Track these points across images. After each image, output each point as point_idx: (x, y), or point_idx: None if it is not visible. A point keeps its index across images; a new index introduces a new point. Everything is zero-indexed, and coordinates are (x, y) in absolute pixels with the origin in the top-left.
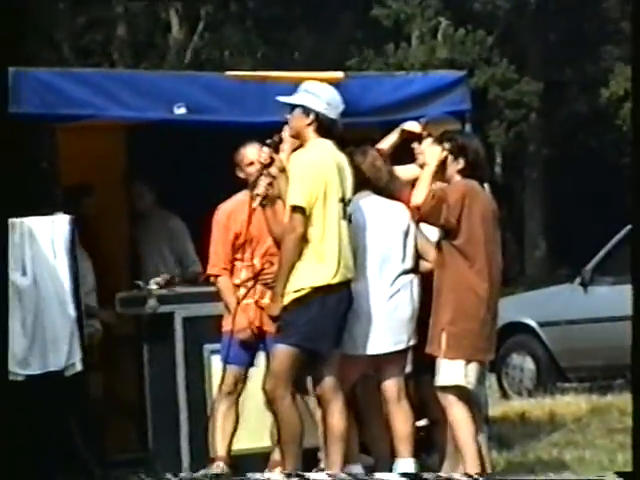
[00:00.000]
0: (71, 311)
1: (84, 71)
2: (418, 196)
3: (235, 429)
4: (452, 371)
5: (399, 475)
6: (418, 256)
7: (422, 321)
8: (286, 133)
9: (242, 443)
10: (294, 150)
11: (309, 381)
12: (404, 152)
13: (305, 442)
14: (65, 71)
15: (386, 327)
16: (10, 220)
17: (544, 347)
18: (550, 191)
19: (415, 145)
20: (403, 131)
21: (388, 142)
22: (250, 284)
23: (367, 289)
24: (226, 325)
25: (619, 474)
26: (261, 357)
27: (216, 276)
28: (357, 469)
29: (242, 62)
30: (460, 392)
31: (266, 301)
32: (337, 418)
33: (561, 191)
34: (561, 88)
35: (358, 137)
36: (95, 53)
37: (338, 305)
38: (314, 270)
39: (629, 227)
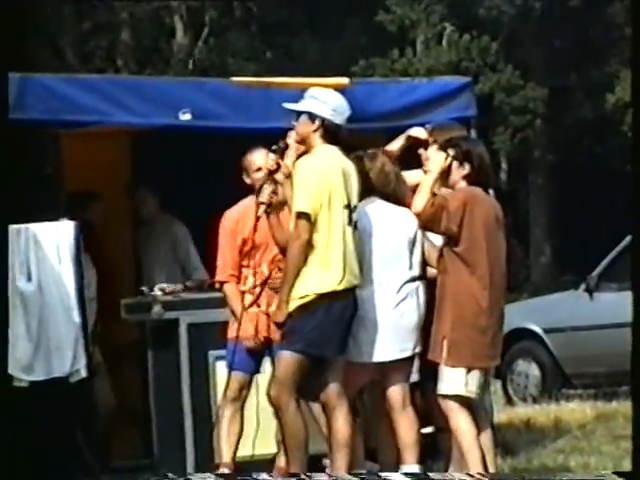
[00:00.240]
0: (76, 317)
1: (89, 77)
2: (418, 203)
3: (240, 435)
4: (453, 379)
5: (404, 475)
6: (425, 263)
7: (426, 328)
8: (292, 139)
9: (247, 449)
10: (300, 156)
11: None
12: (410, 158)
13: (310, 448)
14: (70, 77)
15: (392, 334)
16: (15, 226)
17: (549, 353)
18: (555, 197)
19: (421, 151)
20: (409, 137)
21: (393, 148)
22: (257, 291)
23: (373, 296)
24: (231, 332)
25: (619, 474)
26: (267, 364)
27: (223, 283)
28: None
29: (247, 68)
30: (462, 400)
31: (272, 309)
32: (342, 424)
33: (566, 197)
34: (566, 94)
35: (363, 143)
36: (99, 58)
37: (343, 311)
38: (319, 276)
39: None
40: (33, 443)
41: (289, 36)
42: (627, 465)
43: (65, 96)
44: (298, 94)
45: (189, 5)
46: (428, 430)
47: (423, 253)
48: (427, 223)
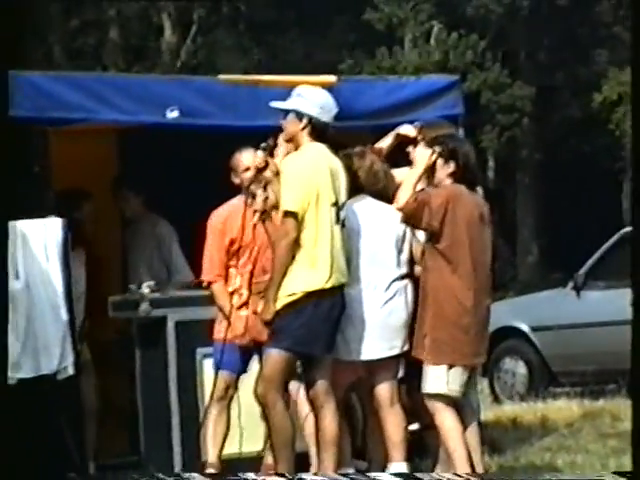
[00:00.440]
0: (63, 315)
1: (77, 74)
2: (401, 198)
3: (226, 434)
4: (435, 377)
5: (392, 475)
6: (413, 261)
7: (411, 325)
8: (281, 137)
9: (233, 447)
10: (288, 154)
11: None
12: (399, 156)
13: (297, 446)
14: (57, 74)
15: (380, 332)
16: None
17: (536, 352)
18: (542, 196)
19: (410, 149)
20: (398, 135)
21: (383, 145)
22: (245, 292)
23: (361, 294)
24: (218, 331)
25: (619, 474)
26: (253, 363)
27: (210, 282)
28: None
29: (234, 66)
30: (446, 398)
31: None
32: (329, 422)
33: (553, 196)
34: (554, 93)
35: (350, 141)
36: (87, 56)
37: (331, 310)
38: (307, 275)
39: (622, 232)
40: (21, 441)
41: (277, 34)
42: (614, 463)
43: (53, 94)
44: (286, 92)
45: (177, 3)
46: (414, 427)
47: (411, 251)
48: (409, 218)
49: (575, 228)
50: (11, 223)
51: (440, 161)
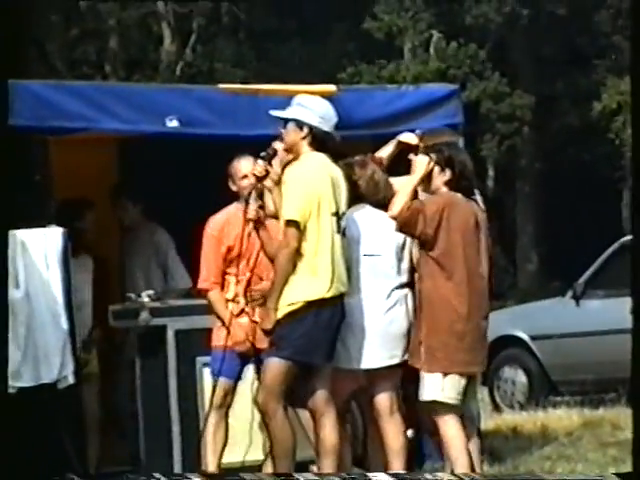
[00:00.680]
0: (63, 324)
1: (77, 84)
2: (395, 206)
3: (225, 442)
4: (430, 385)
5: (389, 476)
6: (413, 270)
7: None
8: (280, 146)
9: (233, 456)
10: (288, 164)
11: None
12: (400, 164)
13: (297, 455)
14: (58, 83)
15: (381, 341)
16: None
17: (536, 360)
18: (542, 204)
19: (412, 157)
20: (400, 143)
21: (384, 153)
22: (242, 300)
23: (362, 303)
24: (217, 339)
25: (619, 475)
26: (249, 370)
27: (207, 290)
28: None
29: (234, 75)
30: (446, 406)
31: (256, 318)
32: (329, 431)
33: (553, 204)
34: (553, 102)
35: (350, 150)
36: (87, 65)
37: (331, 319)
38: (308, 284)
39: (621, 240)
40: (21, 449)
41: (276, 43)
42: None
43: (53, 103)
44: (285, 101)
45: (177, 12)
46: (409, 434)
47: (412, 260)
48: (403, 227)
49: (575, 237)
50: (11, 232)
51: (436, 169)
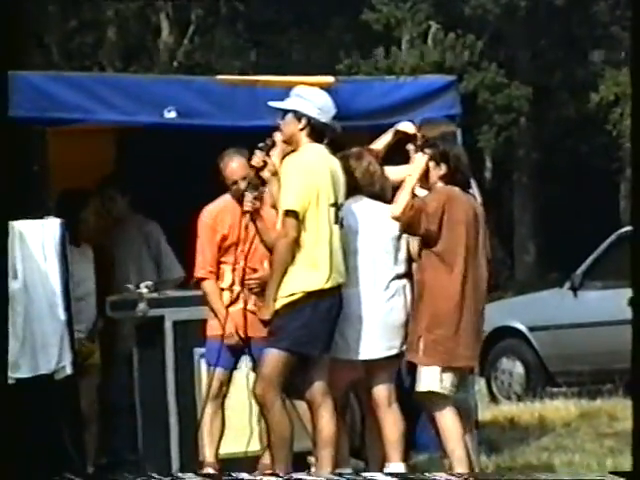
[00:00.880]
0: (61, 314)
1: (75, 75)
2: (397, 207)
3: (222, 432)
4: (428, 377)
5: (387, 475)
6: (411, 259)
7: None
8: (278, 137)
9: (231, 447)
10: (286, 155)
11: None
12: (397, 153)
13: (295, 446)
14: (56, 75)
15: (379, 332)
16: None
17: (533, 352)
18: (540, 196)
19: (409, 147)
20: (397, 132)
21: (382, 143)
22: (237, 289)
23: (360, 293)
24: (212, 329)
25: (619, 474)
26: (243, 360)
27: (202, 279)
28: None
29: (232, 66)
30: (445, 398)
31: (251, 307)
32: (327, 422)
33: (550, 196)
34: (551, 93)
35: (347, 141)
36: (85, 56)
37: (330, 310)
38: (306, 275)
39: (619, 232)
40: (18, 440)
41: (275, 34)
42: (611, 463)
43: (51, 94)
44: (283, 92)
45: (175, 3)
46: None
47: (409, 250)
48: (407, 226)
49: (572, 228)
50: (9, 223)
51: (431, 164)
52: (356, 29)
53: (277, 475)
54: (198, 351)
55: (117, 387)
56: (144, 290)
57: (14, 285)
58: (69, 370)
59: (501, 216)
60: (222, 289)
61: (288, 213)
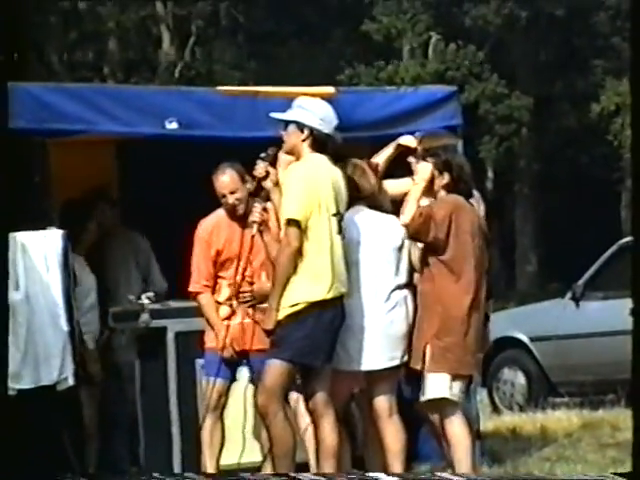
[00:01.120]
0: (64, 325)
1: (76, 86)
2: (406, 215)
3: (222, 444)
4: (436, 385)
5: (389, 476)
6: (412, 270)
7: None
8: (281, 148)
9: (231, 458)
10: (288, 165)
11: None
12: (398, 166)
13: (297, 456)
14: (57, 86)
15: (381, 343)
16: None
17: (535, 362)
18: (541, 206)
19: (411, 159)
20: (399, 145)
21: (383, 156)
22: (234, 303)
23: (362, 304)
24: (209, 341)
25: (619, 474)
26: (242, 371)
27: (197, 293)
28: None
29: (233, 77)
30: (454, 405)
31: (247, 321)
32: (329, 433)
33: (552, 206)
34: (551, 103)
35: (348, 152)
36: (86, 68)
37: (332, 320)
38: (309, 285)
39: (620, 242)
40: (20, 451)
41: (275, 45)
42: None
43: (52, 105)
44: (284, 103)
45: (176, 14)
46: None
47: (411, 261)
48: (416, 234)
49: (573, 238)
50: (11, 234)
51: (434, 172)
52: (357, 40)
53: (281, 475)
54: (200, 362)
55: (119, 398)
56: (146, 301)
57: (16, 296)
58: (71, 381)
59: (503, 226)
60: (219, 303)
61: (290, 222)
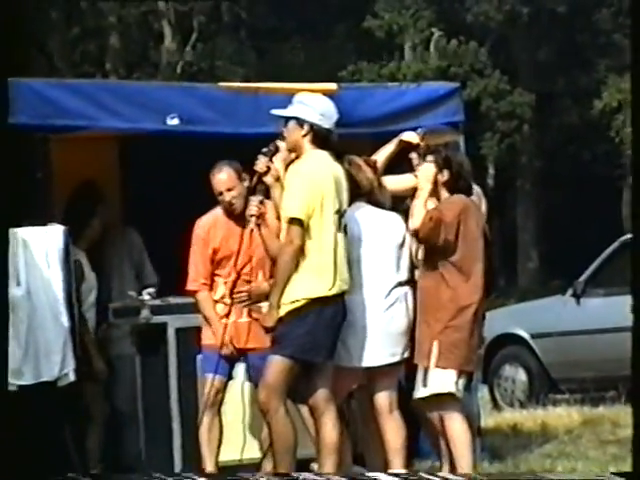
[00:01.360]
0: (64, 321)
1: (78, 82)
2: (416, 220)
3: (221, 440)
4: (443, 379)
5: (390, 475)
6: (413, 267)
7: (412, 333)
8: (282, 144)
9: (229, 454)
10: (291, 162)
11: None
12: (399, 162)
13: (298, 452)
14: (59, 82)
15: (382, 339)
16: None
17: (536, 358)
18: (542, 203)
19: (413, 155)
20: (401, 141)
21: (385, 152)
22: (229, 301)
23: (363, 300)
24: (206, 339)
25: (619, 474)
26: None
27: (194, 291)
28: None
29: (235, 73)
30: (455, 402)
31: (243, 320)
32: (330, 430)
33: (553, 203)
34: (553, 100)
35: (351, 148)
36: (88, 63)
37: (334, 317)
38: (311, 282)
39: (622, 239)
40: (21, 447)
41: (277, 41)
42: (614, 470)
43: (54, 101)
44: (286, 99)
45: (178, 10)
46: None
47: (412, 258)
48: (427, 239)
49: (575, 235)
50: (12, 230)
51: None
52: (359, 36)
53: (281, 475)
54: (200, 358)
55: (120, 394)
56: (146, 297)
57: (17, 292)
58: (72, 377)
59: (504, 223)
60: (215, 301)
61: (292, 221)
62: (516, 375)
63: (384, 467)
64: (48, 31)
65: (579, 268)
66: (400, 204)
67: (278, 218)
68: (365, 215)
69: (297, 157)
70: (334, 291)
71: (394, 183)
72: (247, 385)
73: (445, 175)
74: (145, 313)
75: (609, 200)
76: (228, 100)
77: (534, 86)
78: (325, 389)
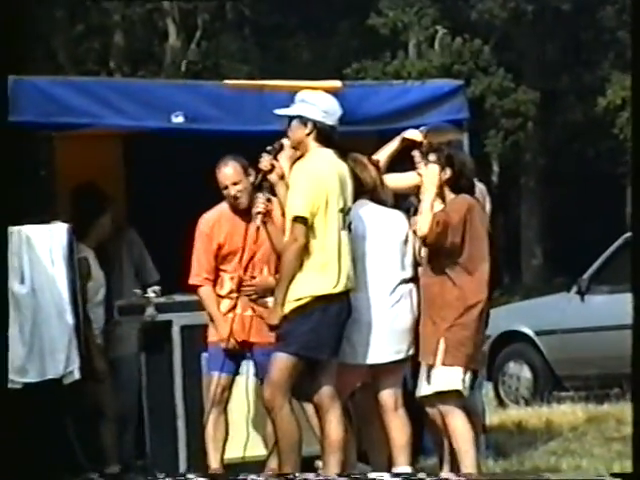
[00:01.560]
0: (69, 319)
1: (83, 79)
2: (423, 225)
3: (226, 438)
4: (450, 377)
5: (393, 476)
6: (417, 264)
7: (416, 331)
8: (286, 142)
9: (234, 452)
10: (295, 160)
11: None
12: (402, 160)
13: (303, 450)
14: (64, 79)
15: (386, 336)
16: (8, 228)
17: (541, 356)
18: (547, 200)
19: (415, 153)
20: (404, 139)
21: (388, 150)
22: (235, 296)
23: (367, 298)
24: (212, 336)
25: (619, 475)
26: (245, 365)
27: (197, 286)
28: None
29: (239, 71)
30: (458, 399)
31: (248, 313)
32: (335, 427)
33: (558, 200)
34: (558, 97)
35: (355, 146)
36: (92, 61)
37: (339, 314)
38: (315, 279)
39: (626, 236)
40: (26, 445)
41: (282, 39)
42: (618, 467)
43: (58, 98)
44: (291, 97)
45: (182, 8)
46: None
47: (415, 255)
48: (435, 243)
49: (579, 232)
50: (16, 228)
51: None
52: (363, 34)
53: (285, 475)
54: (206, 355)
55: (125, 392)
56: (151, 295)
57: (21, 290)
58: (77, 375)
59: (508, 220)
60: (221, 296)
61: (297, 219)
62: (521, 372)
63: (388, 465)
64: (52, 29)
65: (583, 265)
66: (402, 202)
67: (283, 215)
68: (369, 213)
69: (302, 155)
70: (339, 289)
71: (396, 181)
72: (252, 383)
73: (447, 173)
74: (150, 311)
75: (613, 197)
76: (233, 98)
77: (538, 84)
78: (330, 386)
